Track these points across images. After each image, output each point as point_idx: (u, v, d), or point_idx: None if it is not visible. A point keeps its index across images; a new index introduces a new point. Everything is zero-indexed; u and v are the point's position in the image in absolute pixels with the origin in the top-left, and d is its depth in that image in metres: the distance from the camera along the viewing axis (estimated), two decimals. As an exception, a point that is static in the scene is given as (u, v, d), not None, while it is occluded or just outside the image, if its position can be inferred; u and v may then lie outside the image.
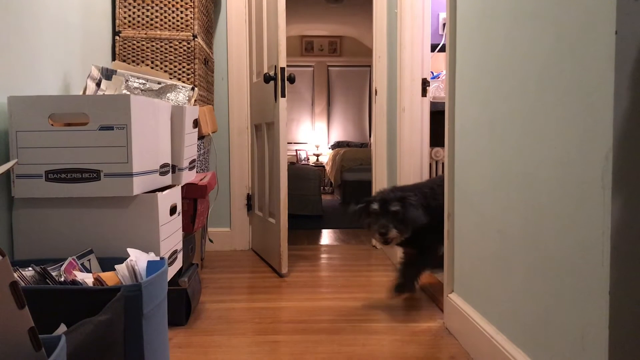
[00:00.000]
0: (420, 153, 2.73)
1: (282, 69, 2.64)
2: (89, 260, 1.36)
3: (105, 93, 1.91)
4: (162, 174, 1.65)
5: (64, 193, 1.41)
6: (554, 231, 1.16)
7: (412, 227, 2.06)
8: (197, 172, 2.26)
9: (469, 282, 1.75)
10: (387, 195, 2.10)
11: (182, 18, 2.51)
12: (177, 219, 1.71)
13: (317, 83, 8.65)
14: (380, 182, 3.32)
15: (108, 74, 1.95)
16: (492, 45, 1.54)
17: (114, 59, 2.48)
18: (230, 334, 1.86)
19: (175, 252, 1.69)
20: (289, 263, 2.79)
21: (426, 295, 2.31)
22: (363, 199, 2.17)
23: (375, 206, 2.07)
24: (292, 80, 2.70)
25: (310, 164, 7.96)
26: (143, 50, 2.48)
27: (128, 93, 1.95)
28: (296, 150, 8.39)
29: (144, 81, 2.02)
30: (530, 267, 1.28)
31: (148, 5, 2.49)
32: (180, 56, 2.50)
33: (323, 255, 3.21)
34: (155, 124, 1.59)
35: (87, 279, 1.20)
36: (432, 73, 3.07)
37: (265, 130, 3.02)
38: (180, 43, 2.50)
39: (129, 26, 2.49)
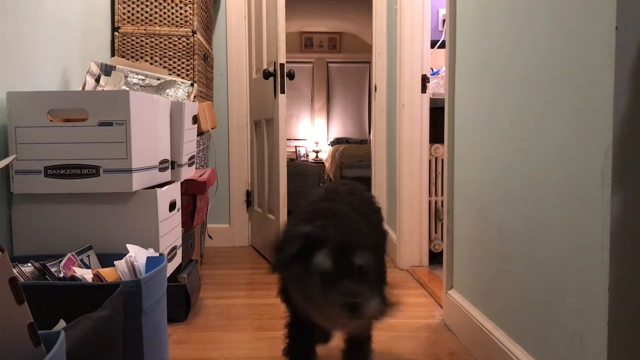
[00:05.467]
0: (420, 149, 2.72)
1: (282, 65, 2.64)
2: (88, 256, 1.36)
3: (105, 89, 1.90)
4: (162, 170, 1.64)
5: (63, 189, 1.41)
6: (553, 228, 1.16)
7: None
8: (196, 168, 2.26)
9: (468, 279, 1.75)
10: (347, 237, 1.08)
11: (181, 14, 2.51)
12: (177, 215, 1.71)
13: (317, 79, 8.64)
14: (379, 179, 3.32)
15: (107, 70, 1.95)
16: (491, 42, 1.53)
17: (113, 54, 2.48)
18: (230, 330, 1.86)
19: (174, 248, 1.68)
20: (288, 259, 2.78)
21: (425, 292, 2.31)
22: (290, 237, 1.16)
23: (324, 261, 1.05)
24: (291, 76, 2.69)
25: (310, 160, 7.95)
26: (142, 46, 2.47)
27: (127, 89, 1.94)
28: (295, 146, 8.37)
29: (143, 77, 2.01)
30: (529, 264, 1.28)
31: (147, 1, 2.48)
32: (179, 52, 2.50)
33: (322, 252, 3.20)
34: (155, 120, 1.59)
35: (87, 275, 1.20)
36: (432, 69, 3.06)
37: (264, 126, 3.02)
38: (179, 39, 2.49)
39: (128, 22, 2.48)
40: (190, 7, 2.51)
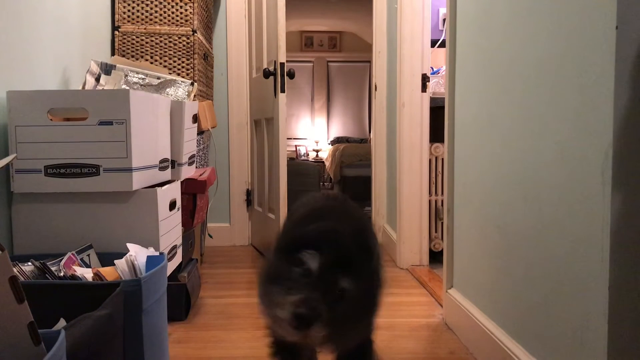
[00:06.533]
0: (420, 149, 2.72)
1: (282, 64, 2.64)
2: (88, 255, 1.36)
3: (105, 88, 1.90)
4: (162, 169, 1.64)
5: (63, 188, 1.41)
6: (553, 227, 1.16)
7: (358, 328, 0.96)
8: (196, 167, 2.26)
9: (468, 278, 1.75)
10: (343, 239, 0.92)
11: (181, 13, 2.50)
12: (177, 214, 1.71)
13: (317, 78, 8.63)
14: (380, 178, 3.32)
15: (107, 69, 1.95)
16: (492, 41, 1.53)
17: (113, 54, 2.48)
18: (230, 329, 1.86)
19: (174, 247, 1.68)
20: (288, 258, 2.78)
21: (426, 291, 2.31)
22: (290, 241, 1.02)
23: (311, 259, 0.89)
24: (291, 75, 2.69)
25: (310, 159, 7.96)
26: (142, 45, 2.47)
27: (127, 88, 1.94)
28: (296, 145, 8.38)
29: (143, 76, 2.01)
30: (529, 263, 1.28)
31: (147, 0, 2.48)
32: (179, 51, 2.50)
33: (322, 251, 3.20)
34: (155, 119, 1.59)
35: (87, 274, 1.20)
36: (432, 68, 3.06)
37: (264, 125, 3.02)
38: (179, 38, 2.49)
39: (128, 21, 2.48)
40: (190, 6, 2.51)
